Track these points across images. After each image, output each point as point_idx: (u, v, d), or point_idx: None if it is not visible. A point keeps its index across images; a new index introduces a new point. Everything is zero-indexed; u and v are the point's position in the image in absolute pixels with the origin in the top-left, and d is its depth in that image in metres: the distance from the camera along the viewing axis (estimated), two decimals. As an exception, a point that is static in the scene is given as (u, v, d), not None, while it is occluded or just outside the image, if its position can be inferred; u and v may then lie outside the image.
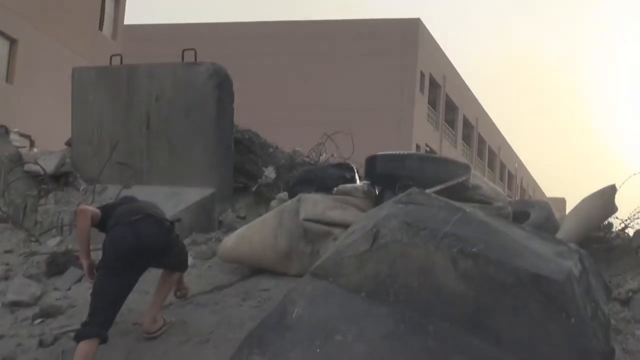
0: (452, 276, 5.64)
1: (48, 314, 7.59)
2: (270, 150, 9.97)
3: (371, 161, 8.28)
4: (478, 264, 5.61)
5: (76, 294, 8.06)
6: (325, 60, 43.44)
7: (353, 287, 5.81)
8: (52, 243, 8.93)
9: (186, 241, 8.99)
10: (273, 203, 8.60)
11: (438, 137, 46.95)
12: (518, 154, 69.03)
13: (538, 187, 75.82)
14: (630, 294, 6.83)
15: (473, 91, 54.82)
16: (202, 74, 9.15)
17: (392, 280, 5.75)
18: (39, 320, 7.51)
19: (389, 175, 8.04)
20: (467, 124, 53.74)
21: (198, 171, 9.12)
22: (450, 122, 50.85)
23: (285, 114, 40.07)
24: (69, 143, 10.38)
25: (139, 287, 8.34)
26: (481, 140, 57.50)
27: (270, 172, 9.36)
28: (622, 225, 8.16)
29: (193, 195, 8.99)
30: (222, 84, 9.15)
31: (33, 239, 9.04)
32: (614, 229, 8.23)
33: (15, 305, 7.89)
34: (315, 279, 5.97)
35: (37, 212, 9.35)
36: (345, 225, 7.47)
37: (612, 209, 8.15)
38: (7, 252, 8.91)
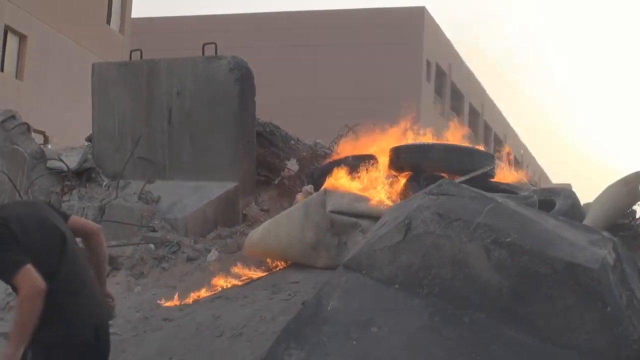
0: (486, 267, 5.63)
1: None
2: (292, 142, 9.99)
3: (395, 152, 8.28)
4: (512, 254, 5.60)
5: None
6: (330, 51, 43.36)
7: (386, 279, 5.82)
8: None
9: (211, 235, 9.06)
10: (298, 196, 8.62)
11: (444, 126, 46.87)
12: (524, 141, 68.94)
13: (544, 173, 75.73)
14: (659, 281, 6.81)
15: (479, 78, 54.71)
16: (223, 67, 9.17)
17: (425, 272, 5.74)
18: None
19: (413, 166, 8.06)
20: (473, 111, 53.63)
21: (221, 165, 9.15)
22: (456, 110, 50.74)
23: (289, 105, 40.02)
24: (89, 139, 10.41)
25: (166, 282, 8.46)
26: (487, 128, 57.41)
27: (292, 165, 9.38)
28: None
29: (216, 189, 9.03)
30: (244, 77, 9.16)
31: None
32: (638, 216, 8.25)
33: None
34: (348, 271, 5.98)
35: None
36: (372, 217, 7.50)
37: (637, 196, 8.17)
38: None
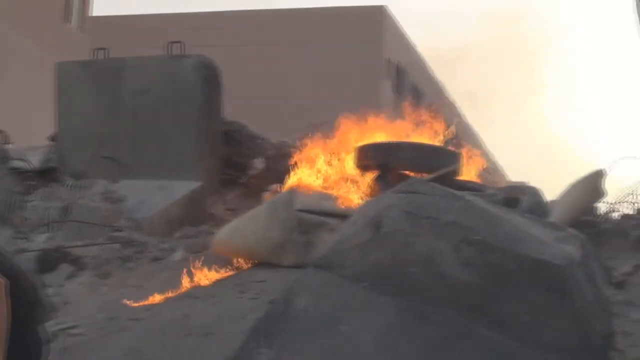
0: (455, 264, 5.68)
1: (43, 311, 7.52)
2: (258, 141, 9.97)
3: (362, 150, 8.30)
4: (481, 252, 5.66)
5: (69, 290, 8.03)
6: (290, 49, 43.12)
7: (356, 277, 5.84)
8: (40, 239, 8.88)
9: (176, 234, 9.03)
10: (266, 194, 8.62)
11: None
12: (482, 139, 69.29)
13: (503, 172, 76.17)
14: (625, 277, 6.91)
15: (437, 77, 54.88)
16: (189, 66, 9.14)
17: (395, 270, 5.78)
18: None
19: (380, 165, 8.08)
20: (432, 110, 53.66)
21: (187, 164, 9.11)
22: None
23: (249, 104, 39.75)
24: (53, 138, 10.31)
25: (132, 282, 8.40)
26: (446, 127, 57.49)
27: (258, 164, 9.37)
28: (610, 209, 8.29)
29: (182, 188, 9.00)
30: (210, 77, 9.15)
31: (21, 235, 8.98)
32: (602, 213, 8.35)
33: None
34: (318, 270, 6.00)
35: (25, 209, 9.29)
36: (339, 216, 7.52)
37: (601, 194, 8.28)
38: (-5, 249, 8.83)
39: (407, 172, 8.22)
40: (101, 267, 8.29)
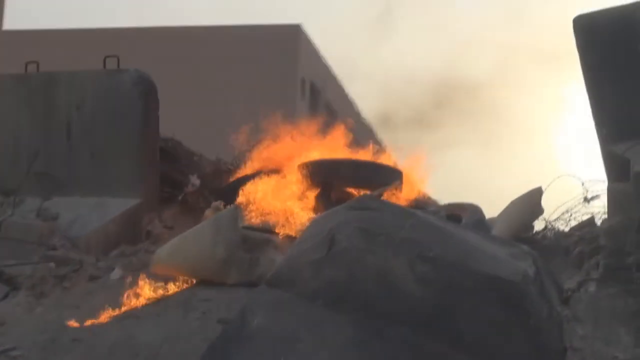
0: (410, 281, 5.69)
1: (-22, 332, 7.27)
2: (195, 158, 9.86)
3: (305, 168, 8.28)
4: (436, 268, 5.68)
5: (3, 310, 7.76)
6: (205, 66, 42.79)
7: (310, 294, 5.79)
8: (-30, 258, 8.60)
9: (113, 253, 8.83)
10: (207, 212, 8.50)
11: (318, 144, 47.07)
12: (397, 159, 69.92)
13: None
14: (569, 293, 7.01)
15: (351, 96, 55.24)
16: (126, 81, 8.97)
17: (350, 287, 5.75)
18: (-34, 340, 7.19)
19: (323, 182, 8.07)
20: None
21: (123, 181, 8.92)
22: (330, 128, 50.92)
23: (162, 119, 39.18)
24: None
25: (69, 302, 8.19)
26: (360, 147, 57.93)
27: (194, 181, 9.26)
28: (548, 226, 8.42)
29: (118, 205, 8.80)
30: (148, 92, 8.99)
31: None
32: (540, 230, 8.48)
33: (-62, 325, 7.55)
34: (271, 288, 5.93)
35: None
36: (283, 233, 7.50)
37: (539, 211, 8.43)
38: None
39: (348, 190, 8.26)
40: (36, 286, 8.04)
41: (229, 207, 7.90)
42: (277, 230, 7.56)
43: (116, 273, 8.34)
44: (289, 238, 7.55)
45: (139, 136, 8.96)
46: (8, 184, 9.33)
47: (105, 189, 8.95)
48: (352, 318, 5.71)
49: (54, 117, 9.29)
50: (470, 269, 5.68)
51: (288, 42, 43.19)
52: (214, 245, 7.67)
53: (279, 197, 7.93)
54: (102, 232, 8.70)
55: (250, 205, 7.78)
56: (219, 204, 8.38)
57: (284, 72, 42.29)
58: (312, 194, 8.05)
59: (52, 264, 8.27)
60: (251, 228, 7.56)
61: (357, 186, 8.10)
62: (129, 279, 8.24)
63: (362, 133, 57.72)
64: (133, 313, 7.34)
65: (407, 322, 5.64)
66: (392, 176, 8.39)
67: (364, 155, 8.63)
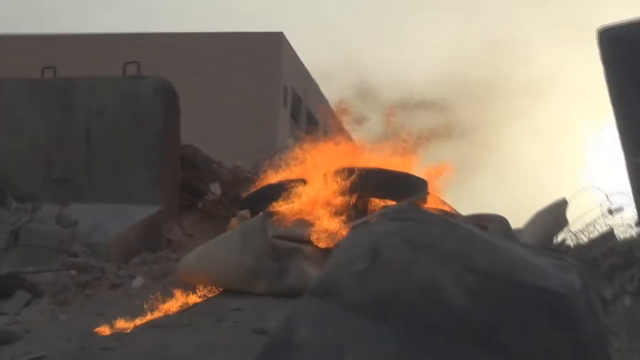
0: (456, 293, 5.61)
1: (3, 340, 7.14)
2: (214, 166, 9.76)
3: (343, 175, 8.16)
4: (483, 280, 5.60)
5: (27, 318, 7.64)
6: (188, 73, 42.22)
7: (355, 305, 5.70)
8: (-11, 265, 8.47)
9: (134, 260, 8.72)
10: (233, 221, 8.40)
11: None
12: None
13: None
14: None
15: (332, 105, 55.10)
16: (147, 87, 8.89)
17: (395, 298, 5.67)
18: (-6, 348, 7.06)
19: (360, 190, 8.00)
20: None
21: (143, 188, 8.83)
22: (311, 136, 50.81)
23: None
24: (-7, 159, 9.85)
25: (92, 310, 8.07)
26: (340, 154, 57.91)
27: (215, 189, 9.16)
28: (574, 237, 8.40)
29: (139, 213, 8.71)
30: (169, 99, 8.92)
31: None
32: (561, 241, 8.47)
33: (-40, 332, 7.41)
34: (315, 298, 5.84)
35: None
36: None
37: (565, 222, 8.42)
38: (-61, 275, 8.38)
39: (374, 199, 8.19)
40: (59, 294, 7.93)
41: (255, 215, 7.80)
42: (307, 240, 7.46)
43: (138, 281, 8.25)
44: (320, 248, 7.47)
45: (160, 143, 8.88)
46: (24, 190, 9.22)
47: (125, 195, 8.86)
48: (398, 329, 5.63)
49: (72, 123, 9.19)
50: (518, 281, 5.61)
51: (270, 49, 43.09)
52: (242, 254, 7.58)
53: (309, 206, 7.84)
54: (123, 240, 8.60)
55: (280, 214, 7.68)
56: (245, 212, 8.29)
57: (267, 80, 42.12)
58: (343, 202, 7.94)
59: (73, 271, 8.16)
60: (281, 237, 7.46)
61: (383, 196, 8.03)
62: (151, 287, 8.18)
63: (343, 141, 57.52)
64: (162, 322, 7.24)
65: (454, 334, 5.57)
66: (420, 187, 8.34)
67: (390, 164, 8.54)
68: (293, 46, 45.44)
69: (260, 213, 7.75)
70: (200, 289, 7.83)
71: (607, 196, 8.64)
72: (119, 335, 7.08)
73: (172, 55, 41.30)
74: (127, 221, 8.61)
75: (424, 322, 5.62)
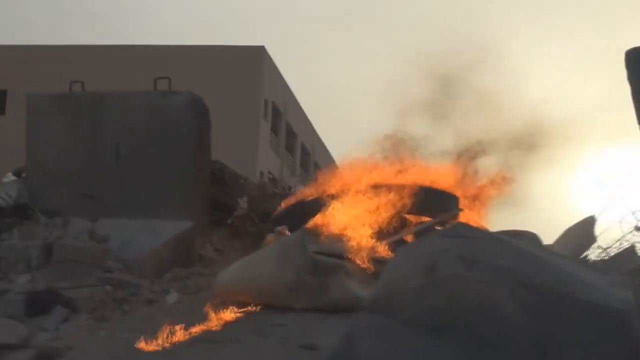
0: (512, 308, 5.71)
1: (47, 356, 7.14)
2: (241, 181, 9.82)
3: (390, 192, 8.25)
4: (537, 296, 5.70)
5: (67, 334, 7.64)
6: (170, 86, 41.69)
7: (412, 321, 5.79)
8: (22, 280, 8.44)
9: (167, 276, 8.74)
10: (269, 237, 8.45)
11: (279, 164, 47.03)
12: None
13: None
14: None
15: (310, 119, 55.24)
16: (179, 103, 8.93)
17: (451, 314, 5.76)
18: (40, 364, 7.07)
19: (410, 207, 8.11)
20: (304, 150, 54.07)
21: (176, 204, 8.86)
22: (290, 149, 51.02)
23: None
24: (17, 173, 9.85)
25: (130, 325, 8.07)
26: (317, 167, 58.01)
27: (243, 204, 9.22)
28: (603, 253, 8.56)
29: (172, 228, 8.73)
30: (201, 114, 8.97)
31: (1, 275, 8.51)
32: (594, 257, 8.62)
33: (3, 348, 7.40)
34: (373, 314, 5.95)
35: (0, 247, 8.80)
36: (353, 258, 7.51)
37: (593, 239, 8.59)
38: (-28, 290, 8.35)
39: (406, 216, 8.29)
40: (97, 310, 7.94)
41: (294, 232, 7.87)
42: (347, 256, 7.54)
43: (172, 296, 8.29)
44: (359, 263, 7.55)
45: (193, 159, 8.92)
46: (51, 204, 9.21)
47: (156, 211, 8.88)
48: (455, 344, 5.73)
49: (101, 137, 9.21)
50: (573, 296, 5.71)
51: (252, 63, 43.09)
52: (282, 269, 7.64)
53: (347, 222, 7.92)
54: (156, 255, 8.62)
55: (318, 230, 7.76)
56: (282, 228, 8.35)
57: (248, 93, 42.12)
58: (380, 219, 8.02)
59: (109, 287, 8.17)
60: (322, 253, 7.54)
61: (420, 212, 8.13)
62: (186, 303, 8.22)
63: (320, 155, 57.90)
64: (207, 337, 7.28)
65: (509, 348, 5.66)
66: (451, 202, 8.46)
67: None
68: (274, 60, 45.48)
69: (299, 229, 7.83)
70: (238, 304, 7.89)
71: (633, 213, 8.82)
72: (165, 352, 7.13)
73: (154, 67, 41.20)
74: (160, 237, 8.63)
75: (480, 337, 5.71)
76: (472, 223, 8.70)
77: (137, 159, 9.05)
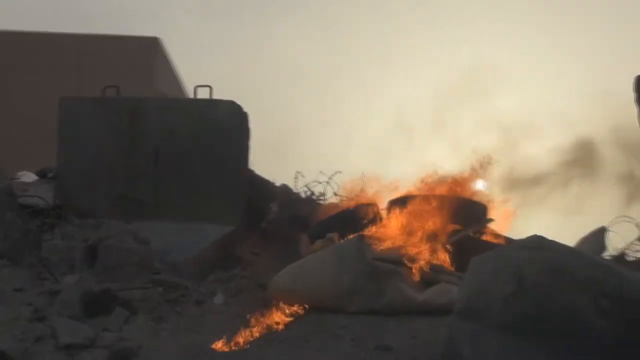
0: (594, 315, 6.28)
1: (123, 356, 7.34)
2: (269, 186, 10.13)
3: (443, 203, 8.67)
4: (617, 304, 6.28)
5: (130, 334, 7.83)
6: (59, 74, 40.76)
7: (502, 326, 6.31)
8: (70, 281, 8.56)
9: (210, 278, 8.99)
10: (318, 242, 8.79)
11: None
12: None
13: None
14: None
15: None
16: (222, 111, 9.21)
17: (539, 320, 6.30)
18: (117, 364, 7.27)
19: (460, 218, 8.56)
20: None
21: (218, 207, 9.13)
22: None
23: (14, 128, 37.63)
24: (42, 175, 9.92)
25: (185, 326, 8.28)
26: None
27: (274, 208, 9.55)
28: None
29: (215, 231, 9.00)
30: (242, 122, 9.26)
31: (46, 277, 8.60)
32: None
33: (70, 348, 7.55)
34: (466, 319, 6.43)
35: (42, 248, 8.89)
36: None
37: (605, 248, 9.27)
38: (17, 290, 8.41)
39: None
40: (153, 310, 8.15)
41: (354, 237, 8.25)
42: (405, 263, 7.97)
43: (219, 298, 8.55)
44: (413, 269, 8.00)
45: (235, 165, 9.21)
46: (86, 206, 9.34)
47: (197, 214, 9.13)
48: (544, 349, 6.26)
49: (139, 142, 9.40)
50: (649, 304, 6.30)
51: (146, 53, 42.64)
52: (340, 274, 8.03)
53: (399, 230, 8.35)
54: (200, 257, 8.86)
55: (373, 237, 8.16)
56: (333, 235, 8.71)
57: (142, 84, 41.68)
58: (429, 227, 8.45)
59: (160, 289, 8.38)
60: (379, 259, 7.95)
61: (458, 222, 8.61)
62: (234, 305, 8.50)
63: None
64: (273, 337, 7.60)
65: (592, 352, 6.23)
66: (481, 212, 8.99)
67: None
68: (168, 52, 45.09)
69: (353, 236, 8.23)
70: (289, 306, 8.23)
71: (637, 225, 9.57)
72: (240, 352, 7.41)
73: (42, 55, 40.20)
74: (203, 239, 8.87)
75: (565, 342, 6.27)
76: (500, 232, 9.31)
77: (177, 164, 9.28)
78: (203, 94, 9.47)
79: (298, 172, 10.32)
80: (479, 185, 9.29)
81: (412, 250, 8.11)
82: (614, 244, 9.48)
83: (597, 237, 9.30)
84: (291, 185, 10.67)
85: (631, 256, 9.51)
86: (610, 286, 6.37)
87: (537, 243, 6.80)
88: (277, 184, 10.64)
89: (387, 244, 8.17)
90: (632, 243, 9.43)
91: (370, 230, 8.43)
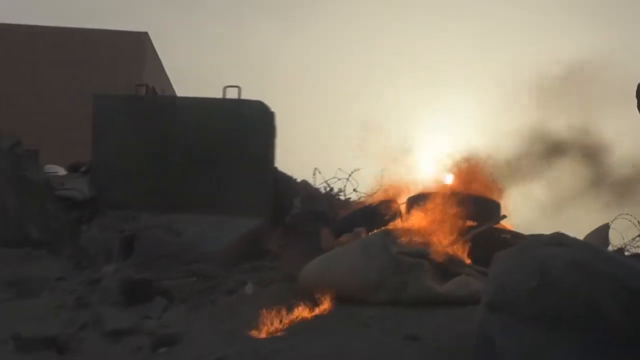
0: (614, 308, 6.77)
1: (168, 342, 7.75)
2: (291, 182, 10.56)
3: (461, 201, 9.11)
4: (637, 297, 6.81)
5: (170, 322, 8.23)
6: (48, 68, 40.84)
7: (529, 318, 6.78)
8: (108, 270, 8.98)
9: (240, 268, 9.42)
10: (345, 236, 9.24)
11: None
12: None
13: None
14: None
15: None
16: (252, 110, 9.65)
17: (563, 312, 6.74)
18: (163, 349, 7.67)
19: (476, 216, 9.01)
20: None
21: (248, 201, 9.60)
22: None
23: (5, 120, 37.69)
24: (74, 169, 10.32)
25: (222, 315, 8.69)
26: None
27: (297, 203, 9.98)
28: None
29: (245, 224, 9.45)
30: (269, 120, 9.71)
31: (86, 266, 9.03)
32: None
33: (115, 334, 7.95)
34: (495, 311, 6.91)
35: (79, 239, 9.32)
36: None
37: (608, 244, 9.78)
38: (59, 279, 8.83)
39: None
40: (190, 299, 8.57)
41: (379, 232, 8.71)
42: (430, 257, 8.44)
43: (250, 288, 8.99)
44: (435, 262, 8.47)
45: (263, 162, 9.67)
46: (120, 198, 9.77)
47: (227, 208, 9.58)
48: (570, 339, 6.75)
49: (171, 139, 9.86)
50: (667, 299, 6.80)
51: (135, 48, 42.82)
52: (366, 268, 8.47)
53: (424, 225, 8.81)
54: (231, 249, 9.31)
55: (398, 232, 8.61)
56: (360, 230, 9.16)
57: (130, 79, 41.83)
58: (450, 224, 8.91)
59: (194, 278, 8.82)
60: (403, 252, 8.42)
61: (475, 219, 9.08)
62: (264, 295, 8.91)
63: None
64: (304, 326, 7.99)
65: (612, 343, 6.73)
66: (495, 209, 9.48)
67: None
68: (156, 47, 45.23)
69: (378, 230, 8.70)
70: (315, 296, 8.66)
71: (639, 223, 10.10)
72: (277, 339, 7.81)
73: (32, 49, 40.27)
74: (234, 232, 9.32)
75: (588, 333, 6.75)
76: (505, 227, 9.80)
77: (208, 160, 9.72)
78: (232, 94, 9.93)
79: (316, 168, 10.75)
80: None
81: (433, 245, 8.57)
82: (612, 240, 10.03)
83: (601, 233, 9.80)
84: (310, 181, 11.10)
85: (629, 251, 10.03)
86: (629, 280, 6.85)
87: (559, 239, 7.31)
88: (298, 180, 11.08)
89: (410, 239, 8.62)
90: (633, 239, 9.95)
91: (394, 226, 8.88)
